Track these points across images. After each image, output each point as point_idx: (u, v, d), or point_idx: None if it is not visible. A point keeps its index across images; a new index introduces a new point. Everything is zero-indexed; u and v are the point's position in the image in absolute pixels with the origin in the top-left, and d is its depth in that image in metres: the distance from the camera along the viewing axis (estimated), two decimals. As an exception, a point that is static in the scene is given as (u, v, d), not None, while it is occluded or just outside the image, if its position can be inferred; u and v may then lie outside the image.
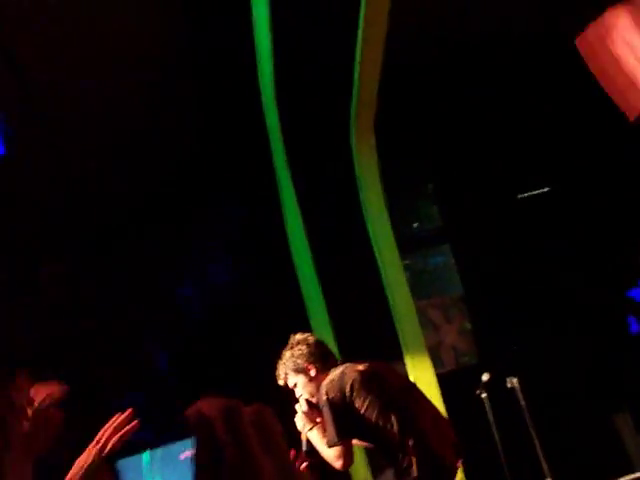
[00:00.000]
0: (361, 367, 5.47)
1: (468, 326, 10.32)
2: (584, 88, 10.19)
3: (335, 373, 5.41)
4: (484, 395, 8.02)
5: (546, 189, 10.76)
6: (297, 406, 5.50)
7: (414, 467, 5.24)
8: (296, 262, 8.06)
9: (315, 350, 5.53)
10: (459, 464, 5.57)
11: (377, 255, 8.02)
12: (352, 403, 5.27)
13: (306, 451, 5.39)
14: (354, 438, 5.32)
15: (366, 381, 5.33)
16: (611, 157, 10.43)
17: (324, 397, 5.28)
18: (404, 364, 7.77)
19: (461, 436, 7.61)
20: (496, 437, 7.92)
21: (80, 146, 8.02)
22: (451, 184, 10.28)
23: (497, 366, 8.26)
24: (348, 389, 5.28)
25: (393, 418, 5.25)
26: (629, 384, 9.58)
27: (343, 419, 5.24)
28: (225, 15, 7.53)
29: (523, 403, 7.74)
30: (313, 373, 5.47)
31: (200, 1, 7.55)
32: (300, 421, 5.44)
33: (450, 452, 5.46)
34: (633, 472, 8.38)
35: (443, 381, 7.98)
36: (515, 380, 7.87)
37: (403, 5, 7.09)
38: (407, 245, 9.43)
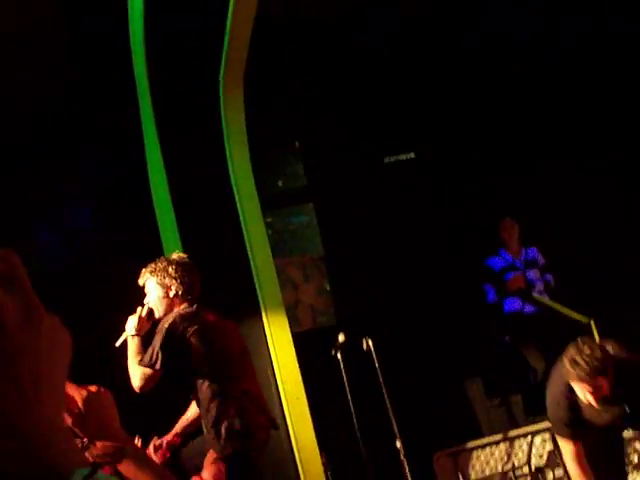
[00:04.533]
0: (212, 317, 5.70)
1: (327, 286, 10.36)
2: (452, 50, 10.32)
3: (188, 310, 5.58)
4: (339, 356, 8.06)
5: (412, 154, 10.86)
6: (139, 308, 5.62)
7: (232, 425, 5.51)
8: (157, 214, 7.94)
9: (186, 278, 5.67)
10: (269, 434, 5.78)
11: (240, 211, 7.95)
12: (188, 345, 5.44)
13: (116, 346, 5.58)
14: (166, 371, 5.45)
15: (211, 332, 5.58)
16: (476, 122, 10.57)
17: (166, 324, 5.43)
18: (261, 321, 7.75)
19: (315, 396, 7.67)
20: (349, 398, 7.98)
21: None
22: (319, 143, 10.26)
23: (353, 327, 8.31)
24: (192, 332, 5.46)
25: (223, 376, 5.54)
26: (482, 351, 9.77)
27: (171, 352, 5.40)
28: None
29: (377, 365, 7.81)
30: (171, 295, 5.60)
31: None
32: (131, 323, 5.56)
33: (264, 419, 5.72)
34: (482, 437, 8.56)
35: (299, 340, 7.98)
36: (370, 342, 7.93)
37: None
38: (271, 202, 9.40)
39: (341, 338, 8.02)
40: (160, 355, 5.40)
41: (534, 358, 9.70)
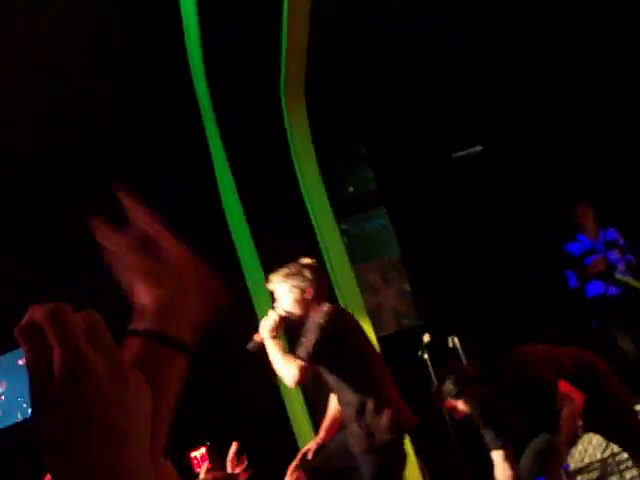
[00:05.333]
0: (350, 315, 6.08)
1: (407, 288, 10.35)
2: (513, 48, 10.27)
3: (333, 307, 5.87)
4: (426, 356, 8.06)
5: (479, 147, 10.81)
6: (271, 311, 5.85)
7: (381, 414, 5.70)
8: (234, 235, 8.01)
9: (320, 281, 5.93)
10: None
11: (313, 221, 8.00)
12: (341, 339, 5.69)
13: (249, 349, 5.80)
14: (321, 366, 5.73)
15: (355, 329, 5.90)
16: (546, 114, 10.49)
17: (320, 320, 5.65)
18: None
19: (405, 399, 7.67)
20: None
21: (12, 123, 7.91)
22: (384, 146, 10.26)
23: (438, 326, 8.31)
24: (342, 328, 5.74)
25: (368, 368, 5.77)
26: (570, 338, 9.68)
27: (325, 347, 5.61)
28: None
29: (465, 362, 7.80)
30: (308, 297, 5.80)
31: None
32: (266, 325, 5.76)
33: (408, 411, 5.94)
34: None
35: (385, 344, 7.98)
36: (456, 339, 7.92)
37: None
38: (343, 210, 9.42)
39: (426, 338, 8.03)
40: (316, 349, 5.61)
41: (623, 340, 9.60)
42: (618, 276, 9.71)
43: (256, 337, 5.84)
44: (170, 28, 7.65)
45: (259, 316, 7.74)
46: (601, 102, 10.46)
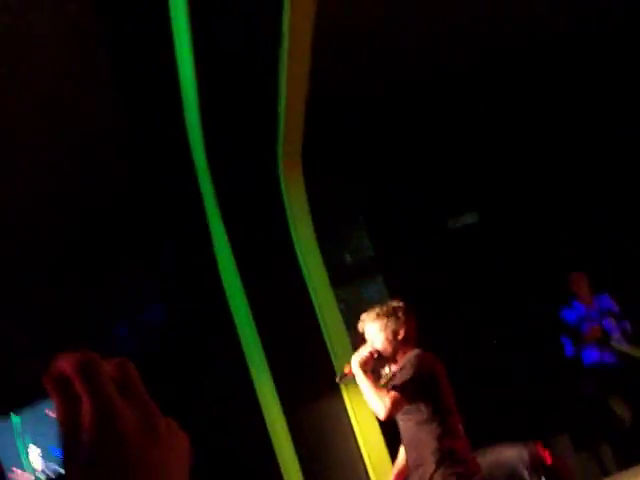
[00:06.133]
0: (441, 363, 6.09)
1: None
2: (500, 121, 10.36)
3: (425, 352, 5.97)
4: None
5: (476, 219, 10.85)
6: (363, 348, 5.96)
7: (457, 464, 5.73)
8: (230, 301, 7.99)
9: (411, 324, 6.04)
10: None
11: (310, 288, 7.98)
12: (432, 383, 5.77)
13: (338, 381, 6.26)
14: (412, 403, 5.74)
15: (444, 372, 5.94)
16: (539, 185, 10.56)
17: (414, 360, 5.80)
18: (342, 397, 7.73)
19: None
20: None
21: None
22: (382, 215, 10.29)
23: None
24: (433, 371, 5.82)
25: (449, 418, 5.80)
26: (566, 406, 9.66)
27: (418, 385, 5.71)
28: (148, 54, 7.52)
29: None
30: (400, 337, 5.94)
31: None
32: (358, 360, 5.89)
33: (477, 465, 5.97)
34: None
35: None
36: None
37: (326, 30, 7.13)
38: (340, 277, 9.41)
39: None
40: (410, 385, 5.70)
41: (620, 407, 9.58)
42: (614, 344, 9.72)
43: (346, 369, 6.01)
44: (167, 93, 7.70)
45: (257, 386, 7.77)
46: (597, 172, 10.56)
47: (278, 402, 7.66)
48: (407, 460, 6.03)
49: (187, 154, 8.11)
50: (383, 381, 5.94)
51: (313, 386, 7.78)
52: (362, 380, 5.83)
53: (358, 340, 8.53)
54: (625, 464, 8.96)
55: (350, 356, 7.97)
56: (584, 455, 9.39)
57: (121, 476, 0.94)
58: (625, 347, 9.70)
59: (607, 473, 8.95)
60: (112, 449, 0.95)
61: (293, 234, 8.04)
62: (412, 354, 5.90)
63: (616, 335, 9.80)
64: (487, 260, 10.32)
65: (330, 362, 7.77)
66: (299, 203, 8.15)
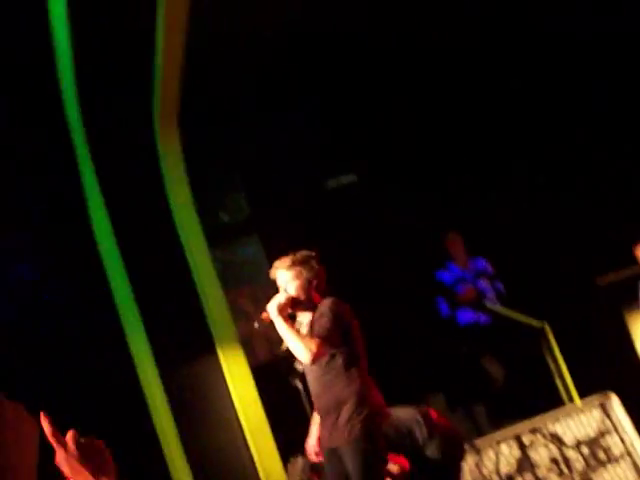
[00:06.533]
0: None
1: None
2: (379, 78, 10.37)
3: (336, 298, 6.09)
4: (299, 385, 8.03)
5: (353, 176, 10.87)
6: (278, 294, 6.03)
7: (369, 405, 5.92)
8: (104, 260, 7.87)
9: (322, 273, 6.22)
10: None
11: (185, 248, 7.92)
12: (347, 326, 5.97)
13: (256, 328, 6.17)
14: (333, 347, 5.91)
15: (357, 322, 6.13)
16: (420, 139, 10.62)
17: (332, 306, 5.96)
18: (217, 358, 7.70)
19: (277, 425, 7.62)
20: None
21: None
22: (258, 174, 10.24)
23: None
24: (347, 314, 6.03)
25: (363, 361, 6.06)
26: (441, 365, 9.77)
27: (337, 330, 5.88)
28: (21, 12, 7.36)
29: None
30: (314, 285, 6.12)
31: None
32: (274, 305, 5.93)
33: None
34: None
35: (258, 373, 7.93)
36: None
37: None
38: (216, 237, 9.35)
39: (299, 366, 7.98)
40: (332, 329, 5.85)
41: (493, 367, 9.73)
42: (488, 304, 9.87)
43: (263, 315, 6.01)
44: (39, 45, 7.54)
45: (132, 346, 7.68)
46: (473, 130, 10.67)
47: (153, 362, 7.59)
48: (319, 407, 6.15)
49: (61, 112, 7.95)
50: (300, 328, 6.03)
51: (188, 346, 7.75)
52: (282, 325, 5.91)
53: (237, 299, 8.53)
54: (498, 423, 9.11)
55: (225, 317, 7.99)
56: (458, 414, 9.51)
57: None
58: (499, 308, 9.86)
59: (481, 432, 9.08)
60: None
61: (169, 194, 7.97)
62: (329, 301, 6.04)
63: (490, 296, 9.95)
64: (365, 221, 10.36)
65: (205, 322, 7.73)
66: (175, 163, 8.08)
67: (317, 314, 6.01)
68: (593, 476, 8.26)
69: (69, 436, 1.92)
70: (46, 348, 7.40)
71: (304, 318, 6.14)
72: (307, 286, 6.12)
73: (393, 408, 6.87)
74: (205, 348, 7.68)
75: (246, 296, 10.13)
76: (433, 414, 6.75)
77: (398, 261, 10.19)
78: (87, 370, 7.44)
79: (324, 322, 5.91)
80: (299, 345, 5.84)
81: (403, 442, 6.81)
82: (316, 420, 6.35)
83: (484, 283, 10.00)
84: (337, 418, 5.96)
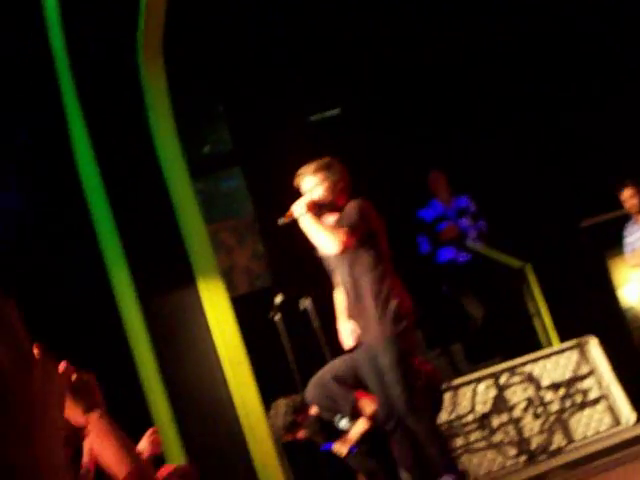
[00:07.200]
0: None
1: (261, 249, 10.30)
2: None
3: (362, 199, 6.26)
4: (278, 317, 8.04)
5: (336, 110, 10.80)
6: (305, 196, 6.23)
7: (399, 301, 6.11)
8: (86, 190, 7.81)
9: (345, 176, 6.40)
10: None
11: (167, 179, 7.86)
12: (373, 224, 6.15)
13: (280, 224, 6.34)
14: (360, 239, 6.04)
15: (383, 223, 6.32)
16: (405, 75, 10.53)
17: (358, 204, 6.14)
18: (196, 288, 7.67)
19: (256, 358, 7.64)
20: (290, 359, 7.97)
21: None
22: (243, 106, 10.15)
23: (290, 288, 8.28)
24: (373, 213, 6.21)
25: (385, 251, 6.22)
26: (419, 302, 9.78)
27: (363, 225, 6.04)
28: None
29: (316, 324, 7.79)
30: (339, 188, 6.28)
31: None
32: (300, 205, 6.14)
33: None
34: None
35: (237, 304, 7.92)
36: (308, 301, 7.91)
37: None
38: (198, 169, 9.30)
39: (278, 300, 7.99)
40: (360, 225, 6.01)
41: (472, 306, 9.77)
42: (469, 243, 9.87)
43: (288, 213, 6.22)
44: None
45: (112, 276, 7.66)
46: (460, 70, 10.58)
47: (133, 293, 7.57)
48: (350, 306, 6.25)
49: (45, 41, 7.83)
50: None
51: (169, 277, 7.72)
52: (309, 220, 6.09)
53: (218, 231, 8.50)
54: (476, 363, 9.15)
55: (206, 249, 7.95)
56: (436, 352, 9.54)
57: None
58: (480, 247, 9.86)
59: (458, 371, 9.13)
60: None
61: (152, 125, 7.89)
62: (355, 201, 6.19)
63: (472, 234, 9.94)
64: (348, 154, 10.29)
65: (186, 253, 7.70)
66: (159, 94, 7.99)
67: (344, 212, 6.14)
68: (569, 418, 8.32)
69: (63, 370, 1.89)
70: (27, 279, 7.35)
71: (328, 222, 6.22)
72: (333, 189, 6.25)
73: None
74: (186, 279, 7.65)
75: (228, 229, 10.11)
76: (415, 360, 6.79)
77: (380, 197, 10.15)
78: (68, 302, 7.41)
79: (351, 216, 6.04)
80: (328, 236, 5.99)
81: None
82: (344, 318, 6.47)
83: (466, 221, 9.97)
84: (369, 316, 6.08)
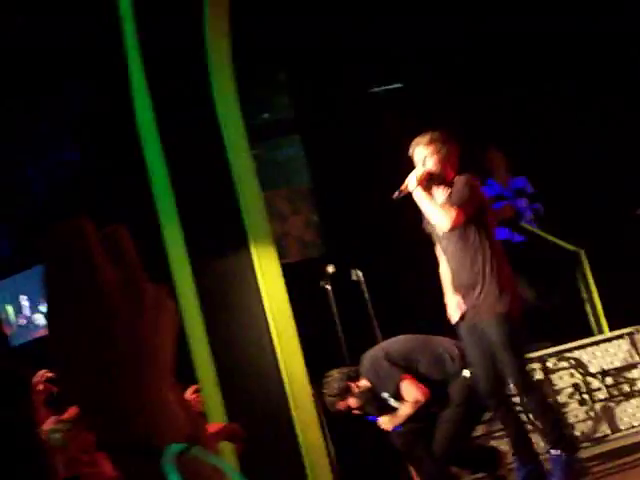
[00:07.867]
0: None
1: (315, 218, 10.30)
2: None
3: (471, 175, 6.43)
4: (328, 287, 8.05)
5: (398, 84, 10.74)
6: (417, 168, 6.34)
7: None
8: (145, 151, 7.84)
9: (457, 151, 6.52)
10: None
11: (226, 143, 7.87)
12: (482, 201, 6.34)
13: (395, 198, 6.41)
14: (471, 217, 6.16)
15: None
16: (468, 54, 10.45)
17: (469, 180, 6.27)
18: (249, 253, 7.69)
19: (305, 327, 7.65)
20: (339, 329, 7.97)
21: None
22: (304, 74, 10.13)
23: (342, 259, 8.28)
24: (481, 191, 6.49)
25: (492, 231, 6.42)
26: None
27: (474, 202, 6.17)
28: None
29: (367, 295, 7.80)
30: (450, 162, 6.38)
31: None
32: (414, 177, 6.26)
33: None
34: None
35: (288, 272, 7.93)
36: (360, 273, 7.91)
37: None
38: (257, 134, 9.30)
39: (330, 269, 8.01)
40: (470, 203, 6.13)
41: (524, 287, 9.69)
42: (525, 224, 9.79)
43: (402, 187, 6.33)
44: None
45: (166, 238, 7.69)
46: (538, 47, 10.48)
47: (186, 254, 7.60)
48: (459, 284, 6.35)
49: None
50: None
51: (222, 239, 7.74)
52: (422, 195, 6.22)
53: (274, 198, 8.48)
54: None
55: (261, 214, 7.98)
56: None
57: (95, 338, 0.94)
58: (535, 228, 9.79)
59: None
60: (96, 314, 0.95)
61: (214, 88, 7.89)
62: (464, 177, 6.32)
63: (528, 216, 9.87)
64: (408, 129, 10.24)
65: (240, 217, 7.71)
66: (222, 58, 7.98)
67: (454, 188, 6.21)
68: (615, 407, 8.25)
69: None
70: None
71: (437, 195, 6.31)
72: (444, 161, 6.32)
73: (430, 336, 6.96)
74: (239, 243, 7.67)
75: (283, 197, 10.12)
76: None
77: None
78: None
79: (462, 192, 6.13)
80: (439, 212, 6.11)
81: (431, 370, 6.85)
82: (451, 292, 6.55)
83: (523, 202, 9.91)
84: (479, 294, 6.18)
